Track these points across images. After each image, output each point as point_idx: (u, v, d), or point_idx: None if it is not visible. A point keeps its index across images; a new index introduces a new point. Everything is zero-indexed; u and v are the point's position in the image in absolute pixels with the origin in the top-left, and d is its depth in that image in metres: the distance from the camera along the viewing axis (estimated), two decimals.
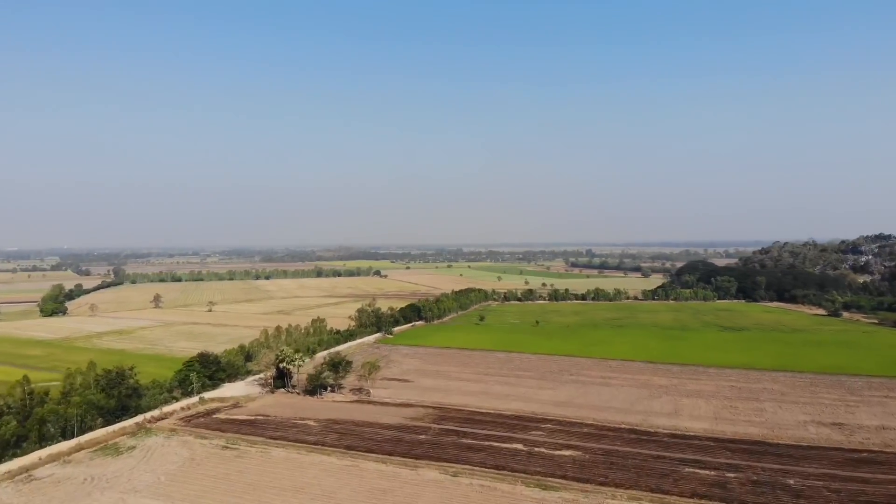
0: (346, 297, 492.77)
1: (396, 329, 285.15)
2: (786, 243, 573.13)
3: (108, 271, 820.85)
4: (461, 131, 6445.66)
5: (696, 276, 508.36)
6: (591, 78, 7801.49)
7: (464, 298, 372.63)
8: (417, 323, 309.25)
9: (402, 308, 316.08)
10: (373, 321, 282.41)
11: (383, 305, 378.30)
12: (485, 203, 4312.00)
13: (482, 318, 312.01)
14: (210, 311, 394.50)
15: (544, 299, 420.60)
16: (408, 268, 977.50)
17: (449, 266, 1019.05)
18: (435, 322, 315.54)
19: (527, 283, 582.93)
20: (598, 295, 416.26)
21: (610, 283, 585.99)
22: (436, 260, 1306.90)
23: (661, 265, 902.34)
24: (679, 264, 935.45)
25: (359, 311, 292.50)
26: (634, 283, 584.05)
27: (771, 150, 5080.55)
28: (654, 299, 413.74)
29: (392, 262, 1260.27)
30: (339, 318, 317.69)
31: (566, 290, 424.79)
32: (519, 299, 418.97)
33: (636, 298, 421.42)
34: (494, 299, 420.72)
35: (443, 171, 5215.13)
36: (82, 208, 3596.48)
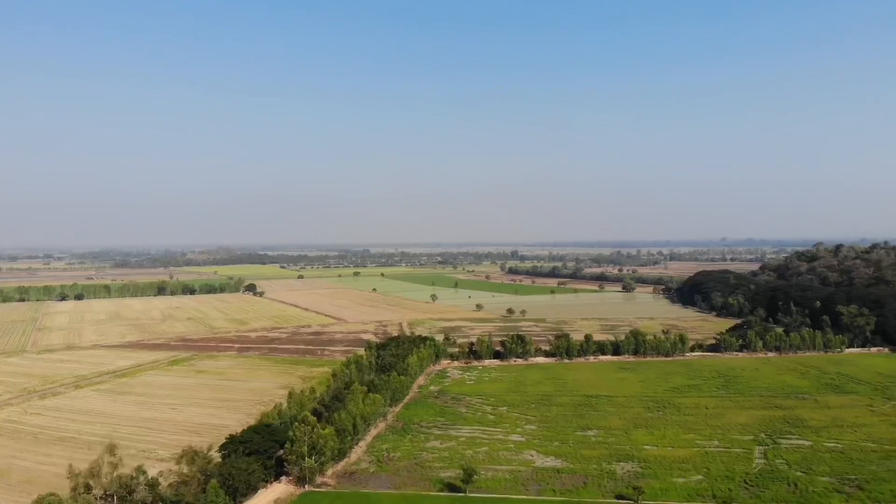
0: (168, 343, 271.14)
1: None
2: (839, 246, 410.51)
3: None
4: (365, 126, 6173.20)
5: (746, 298, 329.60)
6: (473, 66, 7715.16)
7: (399, 375, 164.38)
8: (272, 489, 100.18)
9: (238, 439, 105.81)
10: None
11: (224, 372, 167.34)
12: (392, 201, 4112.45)
13: (467, 479, 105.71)
14: None
15: (544, 353, 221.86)
16: (300, 277, 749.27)
17: (356, 274, 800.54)
18: (326, 481, 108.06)
19: (479, 306, 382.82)
20: (639, 346, 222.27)
21: (594, 303, 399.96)
22: (339, 264, 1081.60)
23: (630, 272, 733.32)
24: (639, 269, 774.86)
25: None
26: (630, 307, 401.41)
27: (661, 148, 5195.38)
28: (742, 350, 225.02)
29: (283, 266, 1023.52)
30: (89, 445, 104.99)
31: (586, 341, 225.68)
32: (499, 354, 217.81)
33: (701, 347, 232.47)
34: (451, 356, 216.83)
35: (351, 168, 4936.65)
36: None
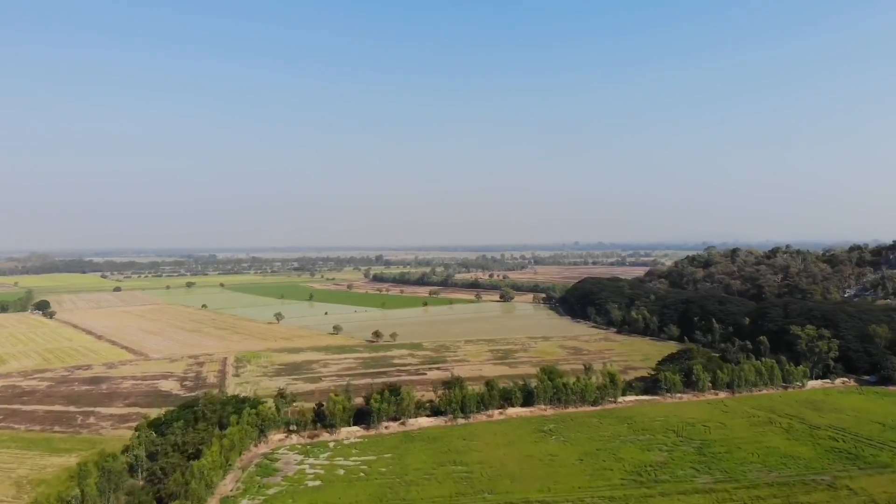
0: None
1: None
2: (735, 249, 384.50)
3: None
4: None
5: (650, 311, 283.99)
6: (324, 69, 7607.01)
7: (173, 500, 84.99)
8: None
9: None
10: None
11: None
12: (242, 199, 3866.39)
13: None
14: None
15: (429, 410, 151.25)
16: (117, 289, 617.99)
17: (189, 285, 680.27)
18: None
19: (336, 328, 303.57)
20: (559, 393, 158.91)
21: (473, 317, 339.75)
22: (175, 272, 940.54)
23: (502, 278, 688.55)
24: (510, 275, 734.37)
25: None
26: (515, 321, 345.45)
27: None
28: (688, 389, 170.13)
29: (104, 275, 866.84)
30: None
31: (487, 389, 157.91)
32: (362, 414, 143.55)
33: (632, 388, 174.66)
34: (287, 425, 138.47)
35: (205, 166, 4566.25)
36: None
